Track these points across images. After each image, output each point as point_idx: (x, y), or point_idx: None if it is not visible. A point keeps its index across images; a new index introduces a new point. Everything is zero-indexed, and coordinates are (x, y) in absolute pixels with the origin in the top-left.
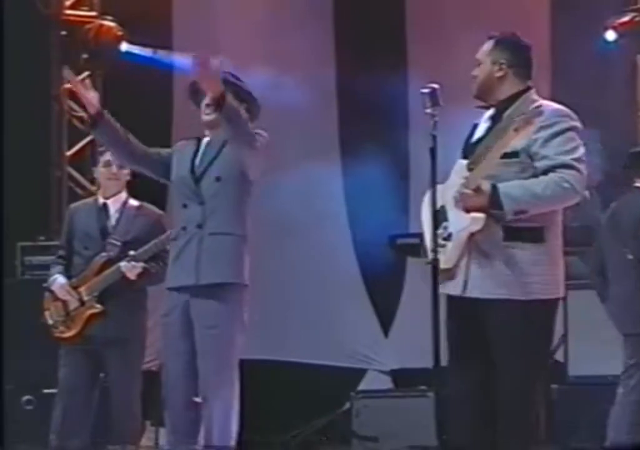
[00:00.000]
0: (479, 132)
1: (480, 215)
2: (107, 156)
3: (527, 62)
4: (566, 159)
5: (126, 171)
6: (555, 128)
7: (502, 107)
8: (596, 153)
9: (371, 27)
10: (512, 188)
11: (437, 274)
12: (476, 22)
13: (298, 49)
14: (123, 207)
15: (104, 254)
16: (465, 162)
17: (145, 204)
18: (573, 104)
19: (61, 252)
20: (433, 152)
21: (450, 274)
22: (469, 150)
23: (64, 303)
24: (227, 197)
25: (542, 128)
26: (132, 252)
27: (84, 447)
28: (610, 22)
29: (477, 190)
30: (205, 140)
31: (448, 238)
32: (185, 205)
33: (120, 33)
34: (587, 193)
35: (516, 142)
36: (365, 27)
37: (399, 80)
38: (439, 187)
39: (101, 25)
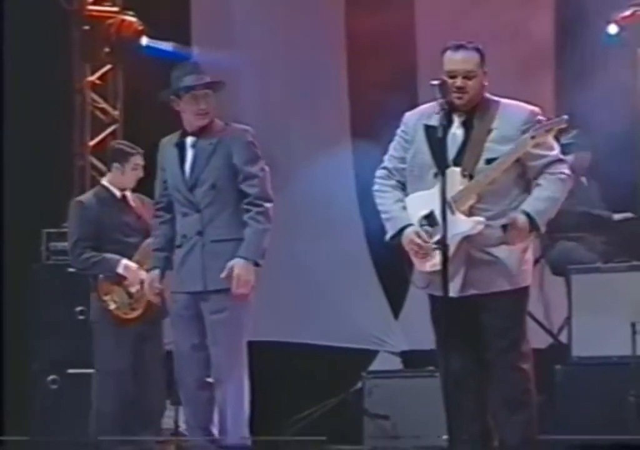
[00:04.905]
0: (457, 138)
1: (481, 219)
2: (138, 159)
3: None
4: (556, 154)
5: None
6: None
7: (471, 111)
8: (584, 144)
9: (382, 21)
10: (538, 204)
11: (446, 258)
12: (482, 17)
13: (311, 41)
14: (134, 198)
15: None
16: (458, 169)
17: (140, 195)
18: (576, 96)
19: (88, 243)
20: (443, 142)
21: (438, 277)
22: (453, 156)
23: (125, 286)
24: (224, 203)
25: (525, 131)
26: None
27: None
28: (612, 16)
29: (514, 225)
30: (189, 141)
31: (437, 243)
32: (184, 214)
33: (140, 28)
34: (583, 179)
35: (505, 147)
36: (377, 18)
37: (409, 70)
38: (422, 194)
39: (122, 20)
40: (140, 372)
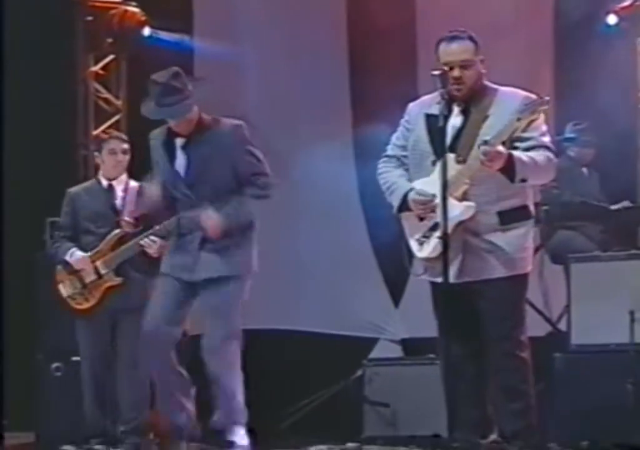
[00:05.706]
0: (455, 125)
1: (472, 203)
2: (112, 144)
3: None
4: (546, 140)
5: (128, 156)
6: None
7: (470, 100)
8: (589, 141)
9: (383, 12)
10: (521, 155)
11: (447, 247)
12: (480, 8)
13: (312, 35)
14: (127, 187)
15: (118, 230)
16: (452, 155)
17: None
18: (575, 86)
19: (66, 232)
20: (443, 131)
21: (437, 263)
22: (450, 143)
23: (79, 276)
24: (225, 199)
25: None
26: (157, 227)
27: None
28: (611, 7)
29: (493, 148)
30: (179, 142)
31: (434, 228)
32: (185, 208)
33: (143, 18)
34: (584, 170)
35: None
36: (378, 9)
37: (410, 60)
38: (421, 181)
39: (125, 11)
40: (116, 361)
